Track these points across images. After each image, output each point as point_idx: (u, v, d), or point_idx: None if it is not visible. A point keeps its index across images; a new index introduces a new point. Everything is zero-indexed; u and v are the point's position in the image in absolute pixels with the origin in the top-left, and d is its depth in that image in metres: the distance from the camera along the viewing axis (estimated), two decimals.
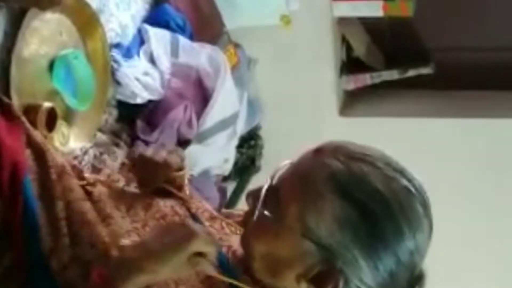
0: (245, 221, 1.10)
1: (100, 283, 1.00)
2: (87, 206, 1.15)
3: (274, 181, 1.07)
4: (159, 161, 1.24)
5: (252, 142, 2.64)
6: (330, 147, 1.06)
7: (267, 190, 1.06)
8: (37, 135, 1.23)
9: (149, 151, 1.26)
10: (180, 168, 1.29)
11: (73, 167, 1.27)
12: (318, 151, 1.06)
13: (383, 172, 1.02)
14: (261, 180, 0.99)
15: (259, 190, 1.07)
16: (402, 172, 1.04)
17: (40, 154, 1.18)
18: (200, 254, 1.00)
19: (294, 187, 1.04)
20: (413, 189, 1.03)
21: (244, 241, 1.09)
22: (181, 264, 0.99)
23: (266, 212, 1.04)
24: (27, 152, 1.17)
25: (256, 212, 1.05)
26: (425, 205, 1.03)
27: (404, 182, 1.02)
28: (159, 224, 1.17)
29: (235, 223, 1.22)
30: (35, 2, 1.22)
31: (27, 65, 1.58)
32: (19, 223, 1.09)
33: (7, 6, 1.49)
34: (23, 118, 1.22)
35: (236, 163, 2.47)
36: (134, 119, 2.04)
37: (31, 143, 1.19)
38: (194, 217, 1.21)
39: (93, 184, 1.25)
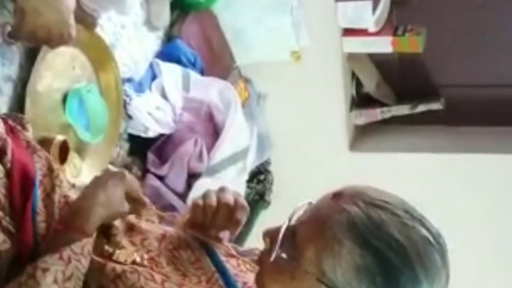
0: (261, 260, 1.10)
1: (63, 227, 1.10)
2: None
3: (292, 222, 1.06)
4: (228, 203, 1.24)
5: (262, 177, 2.63)
6: (349, 192, 1.05)
7: (285, 231, 1.05)
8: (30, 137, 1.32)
9: (211, 199, 1.24)
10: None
11: None
12: (338, 196, 1.05)
13: (402, 220, 1.01)
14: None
15: (276, 230, 1.06)
16: (421, 220, 1.03)
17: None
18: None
19: (312, 230, 1.03)
20: (431, 239, 1.01)
21: (259, 281, 1.09)
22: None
23: (282, 254, 1.04)
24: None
25: (273, 253, 1.04)
26: (443, 255, 1.02)
27: (423, 231, 1.01)
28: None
29: (251, 261, 1.22)
30: (45, 41, 1.25)
31: (41, 98, 1.60)
32: (29, 212, 1.14)
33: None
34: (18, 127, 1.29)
35: (245, 198, 2.47)
36: (145, 153, 2.05)
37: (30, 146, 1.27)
38: (211, 252, 1.21)
39: None
